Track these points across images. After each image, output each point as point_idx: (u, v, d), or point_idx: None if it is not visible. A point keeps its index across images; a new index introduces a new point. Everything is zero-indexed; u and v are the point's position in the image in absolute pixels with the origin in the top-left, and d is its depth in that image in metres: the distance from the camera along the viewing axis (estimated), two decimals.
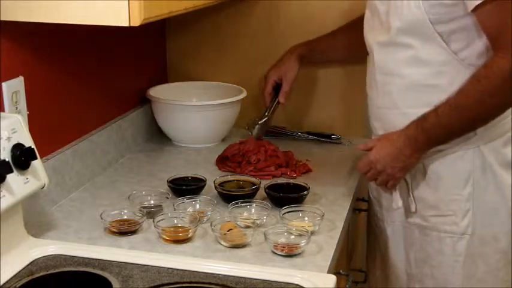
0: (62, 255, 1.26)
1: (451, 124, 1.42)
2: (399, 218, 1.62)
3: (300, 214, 1.46)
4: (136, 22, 1.18)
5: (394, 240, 1.65)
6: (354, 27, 1.74)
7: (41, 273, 1.19)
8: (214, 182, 1.60)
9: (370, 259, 1.82)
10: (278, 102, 1.94)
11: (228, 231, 1.35)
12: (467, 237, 1.53)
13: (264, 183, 1.60)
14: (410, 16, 1.42)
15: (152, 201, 1.52)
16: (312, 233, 1.39)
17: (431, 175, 1.53)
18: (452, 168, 1.51)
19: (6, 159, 1.17)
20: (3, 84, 1.33)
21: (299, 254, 1.31)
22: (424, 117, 1.44)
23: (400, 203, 1.57)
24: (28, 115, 1.41)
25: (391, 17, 1.46)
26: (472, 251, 1.54)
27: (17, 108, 1.37)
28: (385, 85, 1.54)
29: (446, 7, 1.38)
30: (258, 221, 1.42)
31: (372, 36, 1.56)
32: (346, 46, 1.89)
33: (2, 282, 1.15)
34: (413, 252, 1.61)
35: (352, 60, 1.98)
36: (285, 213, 1.45)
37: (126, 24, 1.18)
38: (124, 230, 1.38)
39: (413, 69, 1.48)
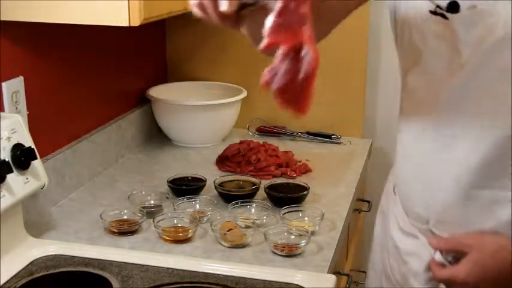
0: (62, 255, 1.26)
1: None
2: None
3: (300, 214, 1.46)
4: (136, 22, 1.19)
5: None
6: None
7: (41, 273, 1.19)
8: (214, 182, 1.60)
9: None
10: None
11: (228, 231, 1.35)
12: None
13: (264, 183, 1.60)
14: None
15: (152, 201, 1.52)
16: (312, 233, 1.39)
17: None
18: None
19: (6, 159, 1.17)
20: (3, 84, 1.34)
21: (299, 254, 1.31)
22: None
23: None
24: (28, 115, 1.41)
25: None
26: None
27: (17, 108, 1.37)
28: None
29: None
30: (258, 221, 1.42)
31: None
32: None
33: (2, 282, 1.15)
34: None
35: None
36: (285, 213, 1.45)
37: (126, 24, 1.19)
38: (124, 230, 1.38)
39: None
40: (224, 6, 0.88)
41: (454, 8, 1.02)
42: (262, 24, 0.85)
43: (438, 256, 1.14)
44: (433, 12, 1.05)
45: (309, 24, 0.86)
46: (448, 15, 1.03)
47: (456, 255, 1.12)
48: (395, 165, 1.28)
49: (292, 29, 0.86)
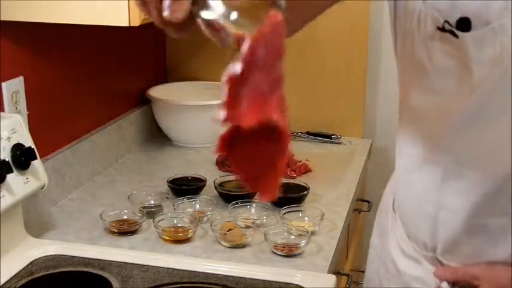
0: (62, 255, 1.25)
1: None
2: None
3: (300, 214, 1.46)
4: (136, 22, 1.19)
5: None
6: None
7: (41, 273, 1.19)
8: (214, 182, 1.59)
9: None
10: None
11: (228, 231, 1.35)
12: None
13: None
14: None
15: (152, 201, 1.52)
16: (312, 233, 1.39)
17: None
18: None
19: (6, 159, 1.17)
20: (3, 84, 1.33)
21: (299, 254, 1.31)
22: None
23: None
24: (28, 115, 1.41)
25: None
26: None
27: (17, 108, 1.37)
28: None
29: None
30: (258, 221, 1.42)
31: None
32: None
33: (2, 282, 1.15)
34: None
35: None
36: (285, 213, 1.44)
37: (126, 24, 1.19)
38: (124, 230, 1.38)
39: None
40: (166, 12, 0.67)
41: (464, 24, 0.90)
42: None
43: (445, 286, 1.06)
44: (441, 29, 0.92)
45: (281, 90, 0.61)
46: (459, 33, 0.90)
47: (464, 286, 1.04)
48: (395, 189, 1.17)
49: (259, 99, 0.59)
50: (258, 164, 0.64)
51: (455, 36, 0.91)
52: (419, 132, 1.05)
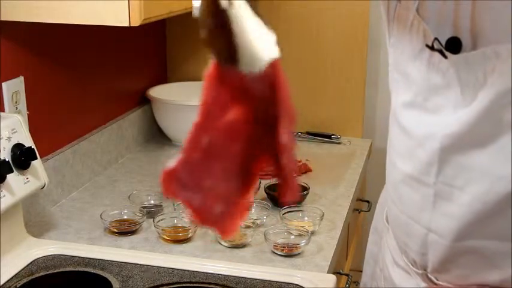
0: (62, 255, 1.26)
1: None
2: None
3: (300, 214, 1.46)
4: (136, 22, 1.19)
5: None
6: None
7: (41, 273, 1.19)
8: None
9: None
10: None
11: None
12: None
13: (264, 183, 1.60)
14: None
15: (152, 201, 1.52)
16: (312, 233, 1.39)
17: None
18: None
19: (6, 159, 1.17)
20: (3, 84, 1.34)
21: (299, 254, 1.31)
22: None
23: None
24: (28, 115, 1.41)
25: None
26: None
27: (17, 108, 1.37)
28: None
29: None
30: (258, 221, 1.42)
31: None
32: None
33: (2, 282, 1.15)
34: None
35: None
36: (285, 213, 1.45)
37: (126, 24, 1.19)
38: (124, 230, 1.38)
39: None
40: None
41: (454, 45, 0.88)
42: None
43: None
44: (430, 47, 0.90)
45: None
46: (448, 54, 0.88)
47: None
48: (387, 199, 1.13)
49: None
50: (216, 200, 0.58)
51: (444, 56, 0.89)
52: (412, 153, 1.00)
